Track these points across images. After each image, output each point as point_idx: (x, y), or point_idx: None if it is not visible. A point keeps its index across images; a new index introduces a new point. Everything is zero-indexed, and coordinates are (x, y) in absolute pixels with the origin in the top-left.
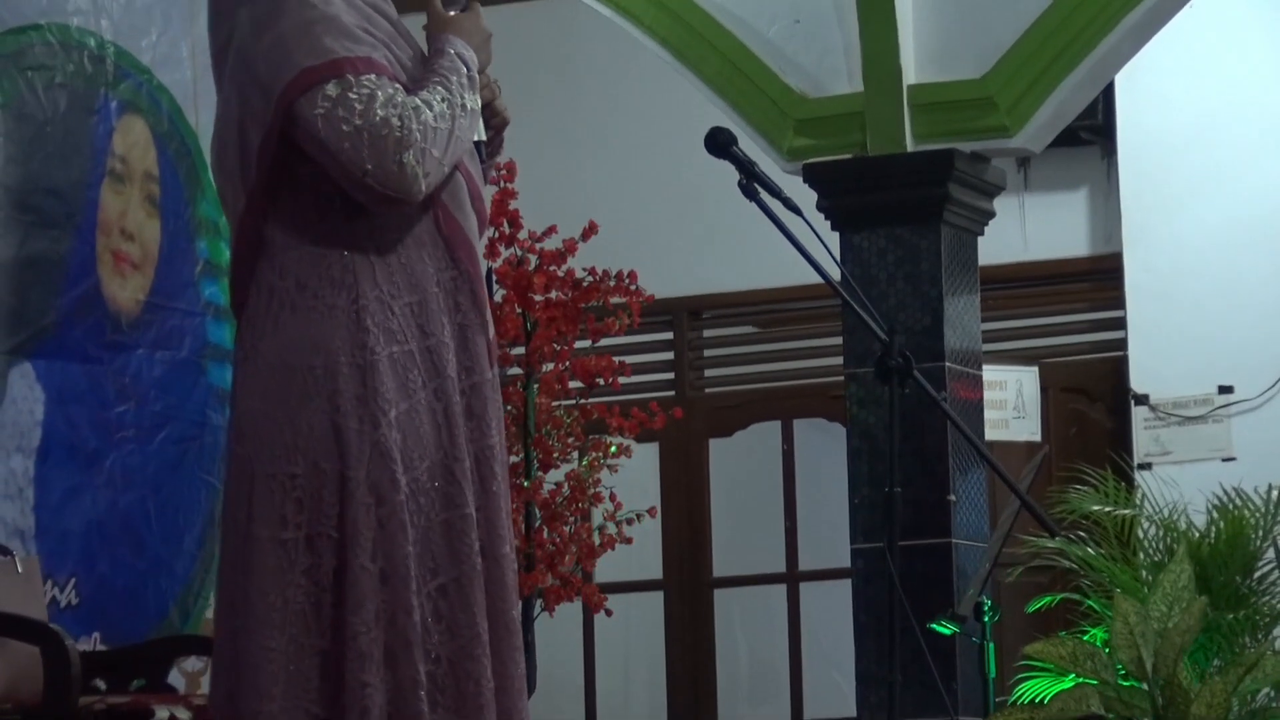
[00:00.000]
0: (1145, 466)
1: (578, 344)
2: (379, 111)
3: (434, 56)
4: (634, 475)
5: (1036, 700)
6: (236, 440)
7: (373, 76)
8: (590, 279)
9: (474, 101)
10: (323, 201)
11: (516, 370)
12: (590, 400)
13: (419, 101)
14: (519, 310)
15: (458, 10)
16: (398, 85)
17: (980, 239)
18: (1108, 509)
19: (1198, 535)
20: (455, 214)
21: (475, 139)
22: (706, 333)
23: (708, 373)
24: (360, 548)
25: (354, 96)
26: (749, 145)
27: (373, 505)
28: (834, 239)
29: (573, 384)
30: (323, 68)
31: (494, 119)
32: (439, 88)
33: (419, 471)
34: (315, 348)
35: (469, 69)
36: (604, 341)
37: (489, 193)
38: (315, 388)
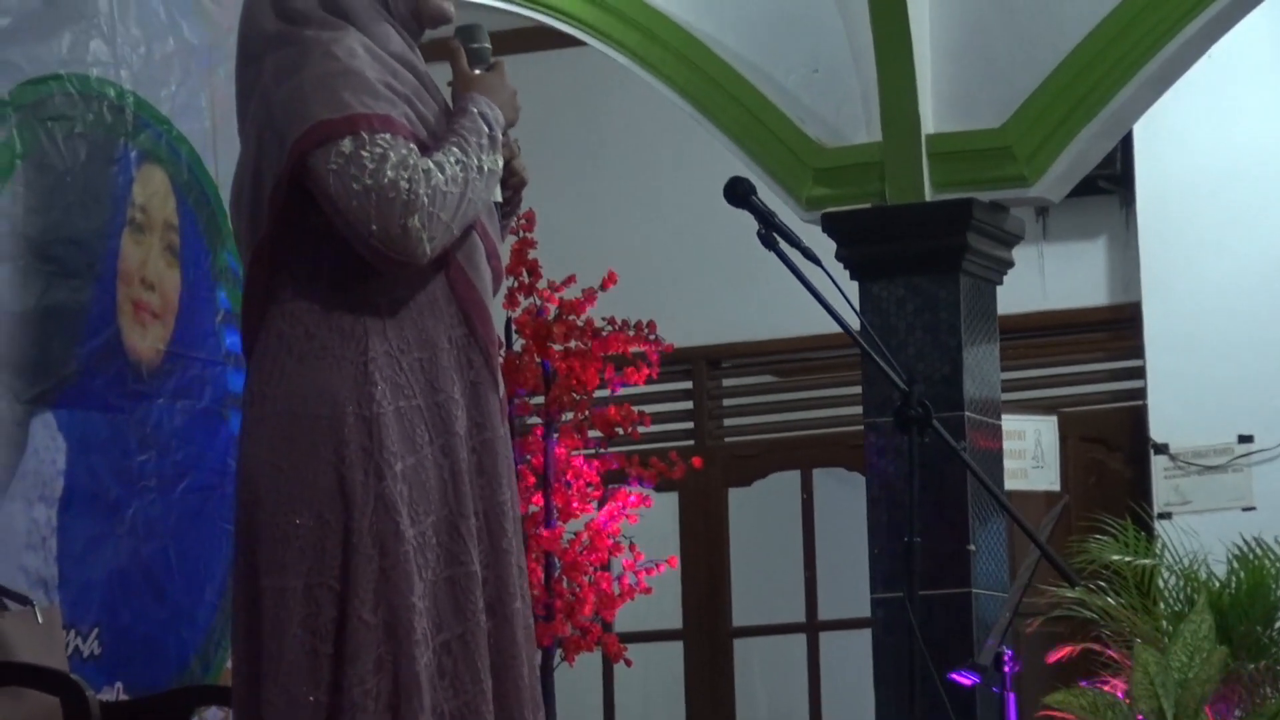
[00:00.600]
0: (1165, 516)
1: (597, 393)
2: (389, 173)
3: (457, 115)
4: (653, 524)
5: None
6: (242, 487)
7: (387, 136)
8: (609, 328)
9: (493, 162)
10: (335, 252)
11: (535, 420)
12: (609, 450)
13: (431, 164)
14: (538, 359)
15: (483, 69)
16: (412, 146)
17: (999, 288)
18: (1128, 559)
19: (1218, 585)
20: (469, 273)
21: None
22: (726, 382)
23: (727, 422)
24: (361, 599)
25: (366, 155)
26: (768, 195)
27: (376, 557)
28: (853, 288)
29: (592, 433)
30: (339, 122)
31: (512, 178)
32: (454, 149)
33: (424, 526)
34: (322, 398)
35: (491, 128)
36: (623, 391)
37: (508, 243)
38: (321, 438)
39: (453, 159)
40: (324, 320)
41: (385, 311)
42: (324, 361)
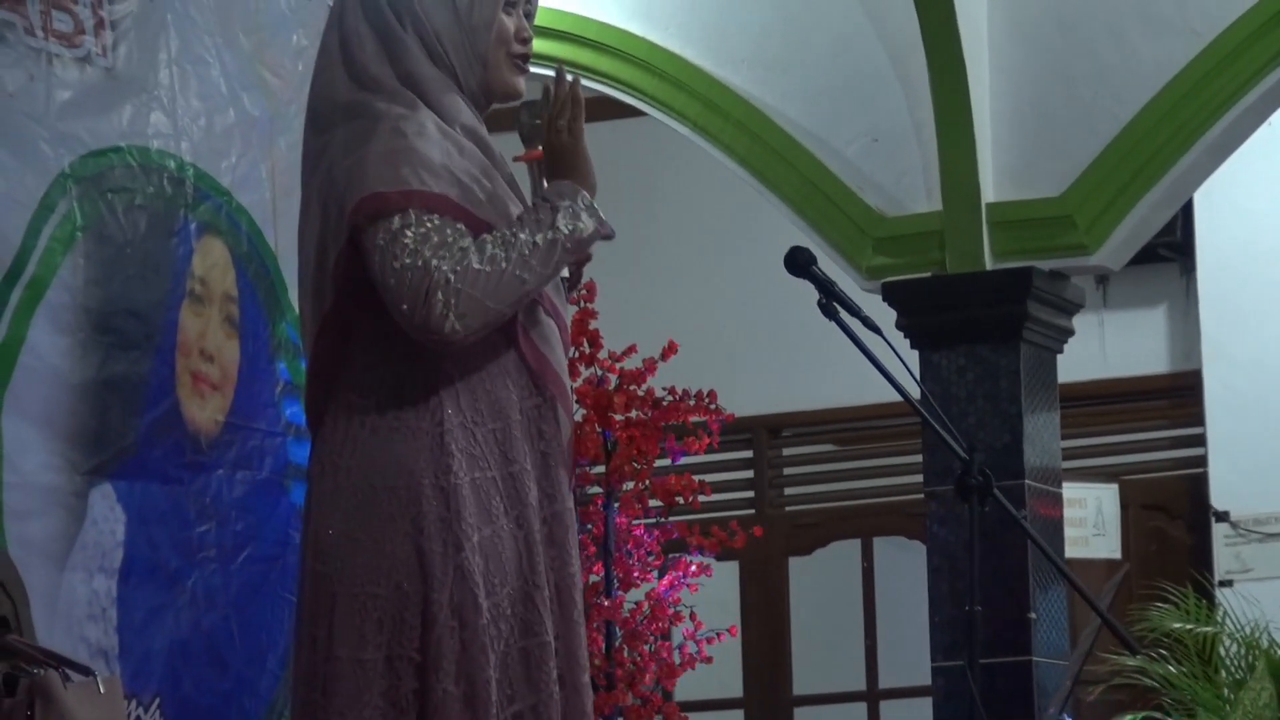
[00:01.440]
0: (1226, 584)
1: (657, 463)
2: (426, 253)
3: (531, 210)
4: (714, 593)
5: None
6: (315, 559)
7: (436, 218)
8: (670, 398)
9: (553, 233)
10: None
11: (596, 489)
12: (670, 519)
13: (471, 244)
14: (599, 429)
15: (534, 148)
16: (460, 228)
17: (1060, 356)
18: (1189, 627)
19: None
20: (539, 345)
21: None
22: (786, 451)
23: (787, 491)
24: (444, 670)
25: (410, 235)
26: (828, 264)
27: (456, 628)
28: (913, 357)
29: (653, 503)
30: (392, 196)
31: (576, 253)
32: (503, 231)
33: (499, 597)
34: (399, 470)
35: (551, 201)
36: (684, 460)
37: (569, 313)
38: (398, 509)
39: (498, 238)
40: (397, 392)
41: (458, 383)
42: (399, 434)
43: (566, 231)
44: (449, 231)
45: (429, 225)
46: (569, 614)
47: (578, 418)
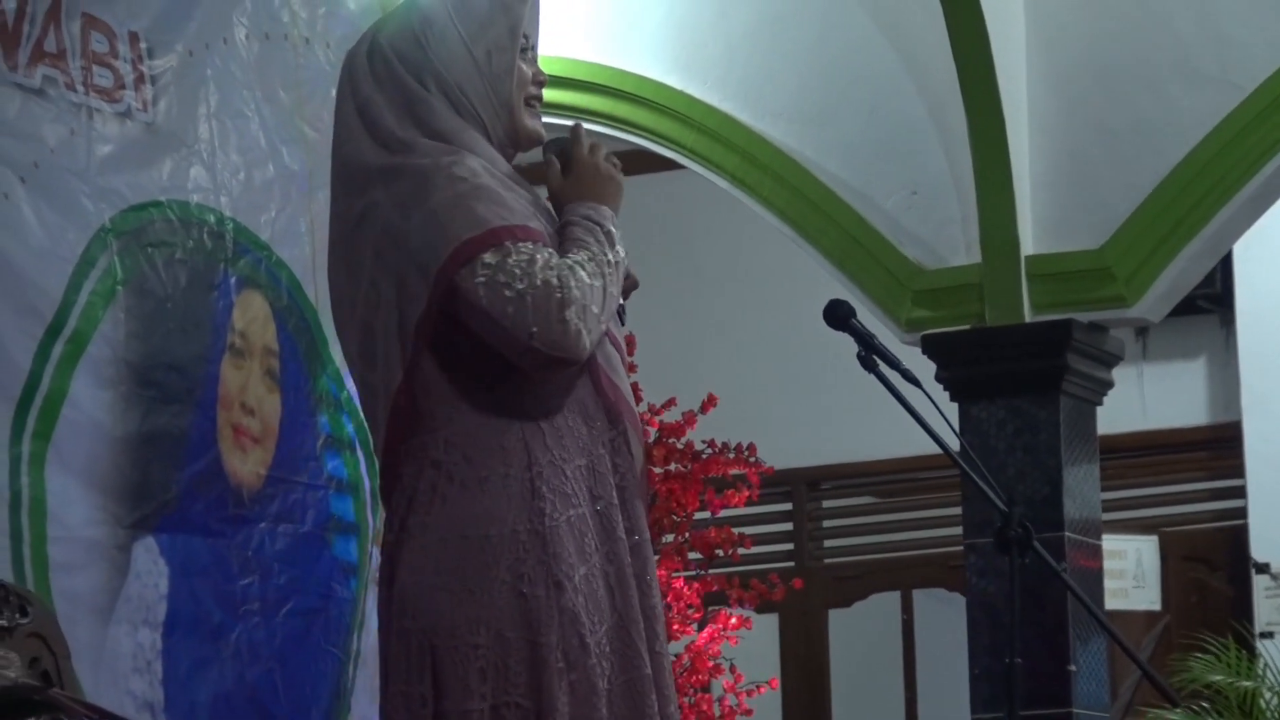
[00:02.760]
0: (1267, 635)
1: (697, 516)
2: (540, 274)
3: (564, 226)
4: (754, 646)
5: None
6: (402, 616)
7: (529, 244)
8: (710, 451)
9: (615, 255)
10: (487, 374)
11: None
12: (710, 572)
13: (572, 261)
14: None
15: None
16: (551, 249)
17: (1099, 408)
18: (1229, 679)
19: None
20: (611, 375)
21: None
22: (825, 503)
23: (827, 543)
24: (559, 714)
25: (513, 262)
26: (867, 317)
27: (564, 670)
28: (953, 410)
29: (692, 555)
30: (482, 238)
31: (625, 280)
32: (582, 250)
33: (600, 635)
34: (491, 518)
35: (602, 225)
36: (723, 513)
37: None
38: (494, 557)
39: (585, 256)
40: (481, 442)
41: (542, 423)
42: (489, 483)
43: (623, 254)
44: (547, 253)
45: (527, 250)
46: (654, 646)
47: None
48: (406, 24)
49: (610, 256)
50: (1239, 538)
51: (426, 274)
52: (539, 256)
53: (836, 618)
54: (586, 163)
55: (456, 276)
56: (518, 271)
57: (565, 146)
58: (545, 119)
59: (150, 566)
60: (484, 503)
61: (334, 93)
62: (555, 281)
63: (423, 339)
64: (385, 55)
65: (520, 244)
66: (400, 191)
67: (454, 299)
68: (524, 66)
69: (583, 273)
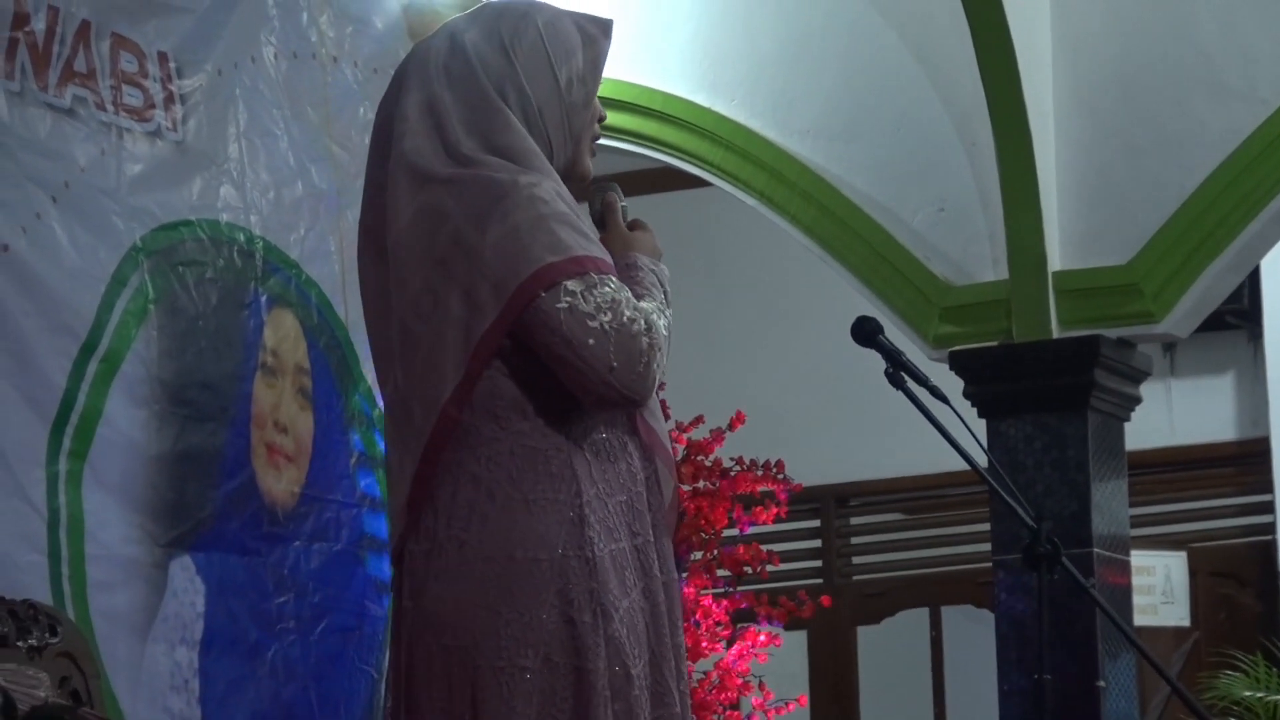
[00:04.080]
0: None
1: (725, 533)
2: (626, 313)
3: (630, 269)
4: (782, 663)
5: None
6: (442, 633)
7: (610, 278)
8: (738, 468)
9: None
10: (536, 398)
11: None
12: (738, 589)
13: (650, 307)
14: None
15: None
16: (628, 289)
17: (1127, 424)
18: (1259, 694)
19: None
20: (648, 416)
21: None
22: (854, 520)
23: (855, 560)
24: None
25: (598, 294)
26: (895, 333)
27: (609, 699)
28: (981, 426)
29: (721, 573)
30: (567, 264)
31: None
32: (652, 299)
33: (639, 669)
34: (540, 542)
35: (664, 284)
36: (752, 530)
37: None
38: (543, 581)
39: (657, 305)
40: (528, 464)
41: (589, 455)
42: (536, 505)
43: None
44: (627, 292)
45: (610, 286)
46: (679, 684)
47: None
48: (494, 30)
49: (669, 313)
50: (1268, 553)
51: (501, 291)
52: (622, 295)
53: (865, 635)
54: (638, 223)
55: (537, 298)
56: (603, 304)
57: (616, 191)
58: None
59: (187, 585)
60: (532, 525)
61: (362, 111)
62: (642, 325)
63: (487, 354)
64: (467, 57)
65: (604, 276)
66: (475, 204)
67: (530, 320)
68: (597, 103)
69: (661, 321)
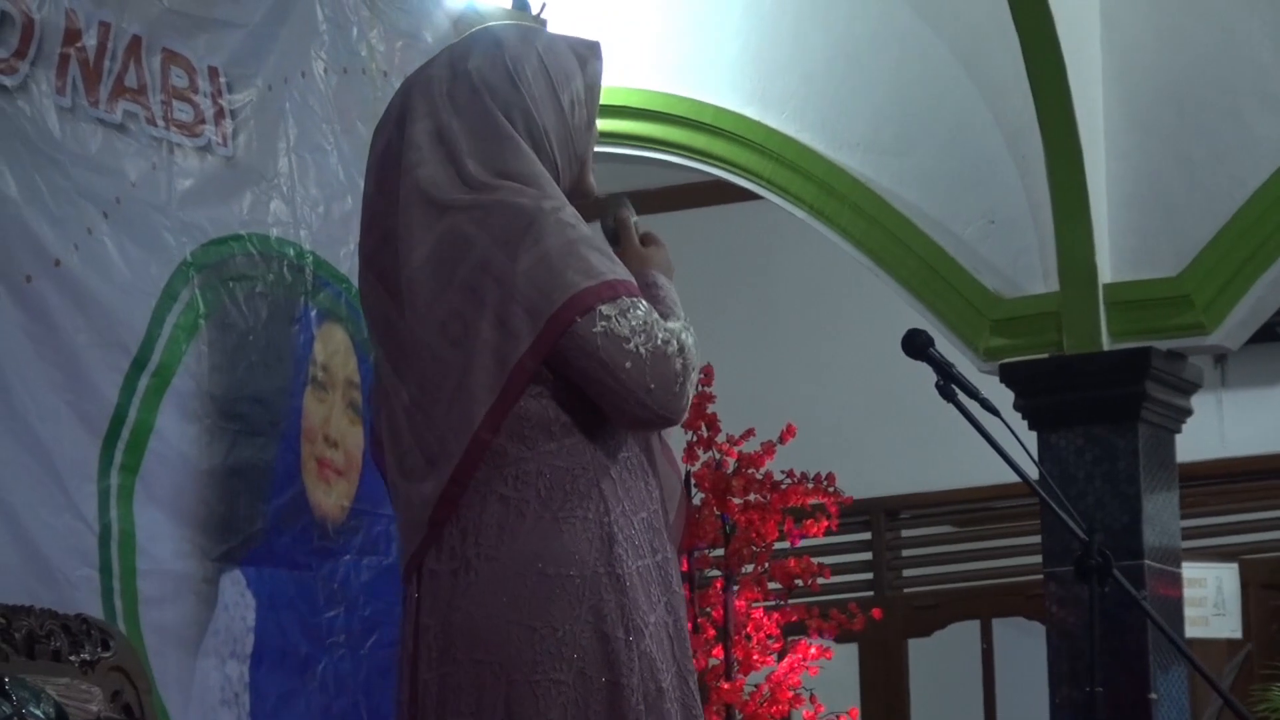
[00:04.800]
0: None
1: (776, 546)
2: (659, 335)
3: (651, 288)
4: (833, 676)
5: None
6: (476, 647)
7: (641, 301)
8: (788, 481)
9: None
10: (565, 416)
11: (716, 573)
12: (789, 602)
13: (679, 327)
14: (717, 513)
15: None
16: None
17: (1178, 436)
18: None
19: None
20: (664, 435)
21: None
22: (905, 533)
23: (906, 573)
24: None
25: (631, 317)
26: (945, 346)
27: (644, 713)
28: (1031, 438)
29: (772, 586)
30: (600, 289)
31: None
32: (676, 318)
33: (668, 681)
34: (571, 559)
35: (678, 303)
36: (802, 543)
37: None
38: (576, 597)
39: (681, 324)
40: (558, 484)
41: (614, 473)
42: (566, 522)
43: None
44: (655, 315)
45: (641, 309)
46: (698, 698)
47: (696, 501)
48: (496, 57)
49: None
50: None
51: (536, 316)
52: (653, 317)
53: (916, 647)
54: (651, 238)
55: (574, 324)
56: (637, 327)
57: (627, 205)
58: (623, 150)
59: (238, 599)
60: (563, 543)
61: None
62: (675, 346)
63: (524, 379)
64: (473, 84)
65: (635, 300)
66: (502, 229)
67: (566, 345)
68: (596, 124)
69: (690, 340)
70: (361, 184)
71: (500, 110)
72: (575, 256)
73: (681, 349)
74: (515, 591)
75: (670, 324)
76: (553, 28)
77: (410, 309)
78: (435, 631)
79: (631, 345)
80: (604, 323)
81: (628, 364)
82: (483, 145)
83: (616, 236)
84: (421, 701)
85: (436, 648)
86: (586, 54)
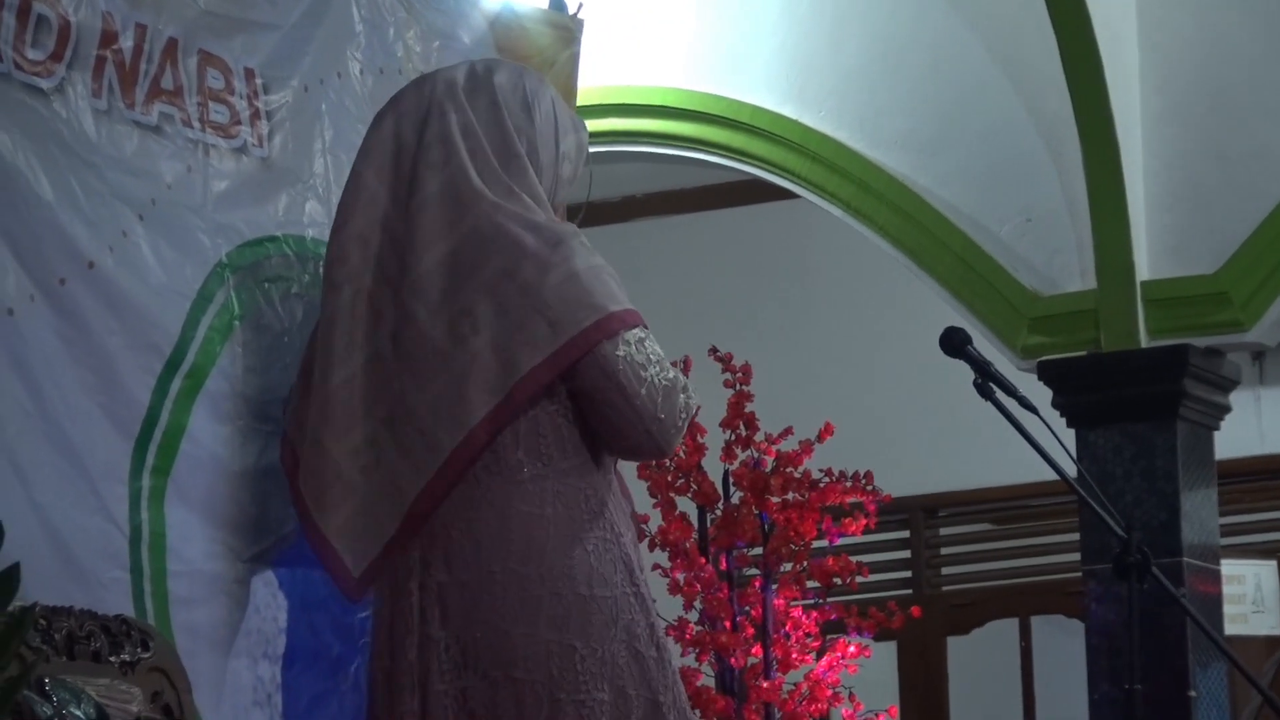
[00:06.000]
0: None
1: (815, 544)
2: (670, 370)
3: None
4: (872, 674)
5: None
6: (514, 666)
7: (650, 335)
8: (827, 480)
9: None
10: (575, 437)
11: (754, 571)
12: (828, 600)
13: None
14: (756, 512)
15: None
16: None
17: (1216, 433)
18: None
19: None
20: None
21: None
22: (943, 531)
23: (945, 571)
24: None
25: (648, 348)
26: (983, 344)
27: None
28: (1070, 436)
29: (810, 584)
30: (625, 314)
31: None
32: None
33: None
34: (600, 579)
35: None
36: (841, 541)
37: (725, 395)
38: (612, 616)
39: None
40: (575, 504)
41: (611, 496)
42: (589, 543)
43: None
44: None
45: (653, 341)
46: None
47: (734, 500)
48: (518, 83)
49: None
50: None
51: (560, 330)
52: (661, 352)
53: (955, 645)
54: None
55: (598, 345)
56: (654, 358)
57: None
58: (659, 149)
59: (269, 600)
60: (590, 563)
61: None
62: (683, 382)
63: (534, 387)
64: (494, 97)
65: (645, 332)
66: (531, 242)
67: (587, 364)
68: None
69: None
70: None
71: (515, 129)
72: (601, 282)
73: (686, 388)
74: (553, 611)
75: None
76: (590, 27)
77: (418, 303)
78: (448, 644)
79: (647, 374)
80: (625, 348)
81: (643, 391)
82: (500, 155)
83: None
84: (437, 714)
85: (451, 661)
86: (579, 124)
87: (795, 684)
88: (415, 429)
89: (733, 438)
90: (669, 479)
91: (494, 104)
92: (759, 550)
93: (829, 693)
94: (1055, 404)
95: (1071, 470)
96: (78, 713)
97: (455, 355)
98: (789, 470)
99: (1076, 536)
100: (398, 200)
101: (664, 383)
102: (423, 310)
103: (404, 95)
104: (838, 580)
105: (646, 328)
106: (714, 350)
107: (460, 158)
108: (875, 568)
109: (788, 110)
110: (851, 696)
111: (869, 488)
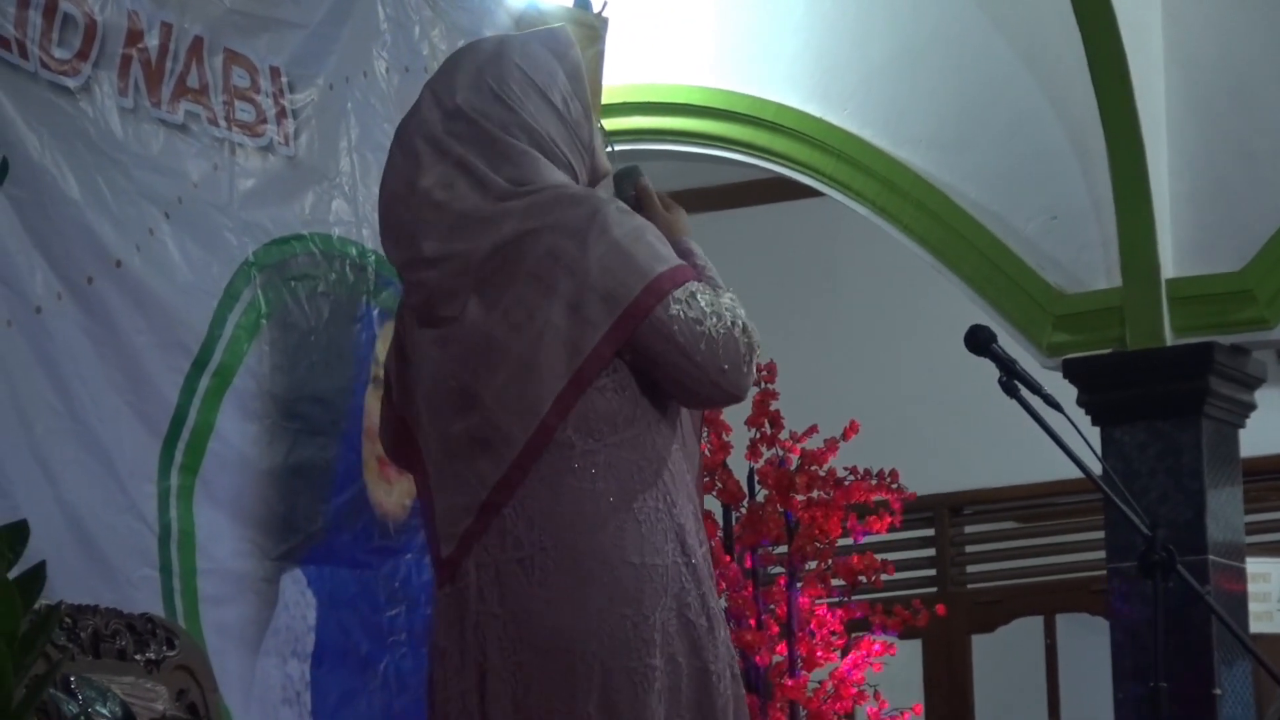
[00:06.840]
0: None
1: (840, 542)
2: (726, 315)
3: (689, 256)
4: (897, 672)
5: None
6: (562, 636)
7: (705, 286)
8: (852, 477)
9: None
10: (627, 409)
11: (779, 569)
12: (853, 598)
13: (730, 301)
14: (781, 510)
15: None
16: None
17: (1241, 430)
18: None
19: None
20: (697, 428)
21: None
22: (968, 528)
23: (969, 568)
24: None
25: (701, 301)
26: (1008, 342)
27: (732, 699)
28: (1095, 434)
29: (835, 582)
30: (672, 273)
31: None
32: (723, 289)
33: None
34: (652, 549)
35: (714, 269)
36: (866, 539)
37: (750, 394)
38: (662, 586)
39: (730, 296)
40: (628, 476)
41: (671, 465)
42: (642, 514)
43: None
44: (719, 295)
45: (707, 292)
46: None
47: (760, 498)
48: (477, 82)
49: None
50: None
51: (613, 303)
52: (718, 299)
53: (979, 643)
54: (669, 204)
55: (652, 310)
56: (708, 309)
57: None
58: (684, 147)
59: (298, 598)
60: (641, 533)
61: None
62: (742, 325)
63: (598, 365)
64: (468, 117)
65: (699, 283)
66: (567, 219)
67: (644, 331)
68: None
69: (744, 312)
70: None
71: (501, 131)
72: (644, 244)
73: (745, 326)
74: (602, 580)
75: (724, 298)
76: (615, 25)
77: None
78: (504, 620)
79: (704, 328)
80: (678, 306)
81: (702, 345)
82: (501, 164)
83: (639, 205)
84: (492, 689)
85: (508, 636)
86: (559, 46)
87: (820, 682)
88: (485, 420)
89: (758, 436)
90: None
91: (470, 122)
92: (784, 548)
93: (854, 690)
94: (1080, 402)
95: (1096, 468)
96: (103, 711)
97: (514, 345)
98: (814, 468)
99: (1101, 534)
100: (429, 269)
101: (721, 332)
102: (475, 315)
103: (391, 153)
104: (862, 578)
105: (696, 278)
106: None
107: (460, 196)
108: (900, 566)
109: (812, 108)
110: (876, 694)
111: (894, 486)
